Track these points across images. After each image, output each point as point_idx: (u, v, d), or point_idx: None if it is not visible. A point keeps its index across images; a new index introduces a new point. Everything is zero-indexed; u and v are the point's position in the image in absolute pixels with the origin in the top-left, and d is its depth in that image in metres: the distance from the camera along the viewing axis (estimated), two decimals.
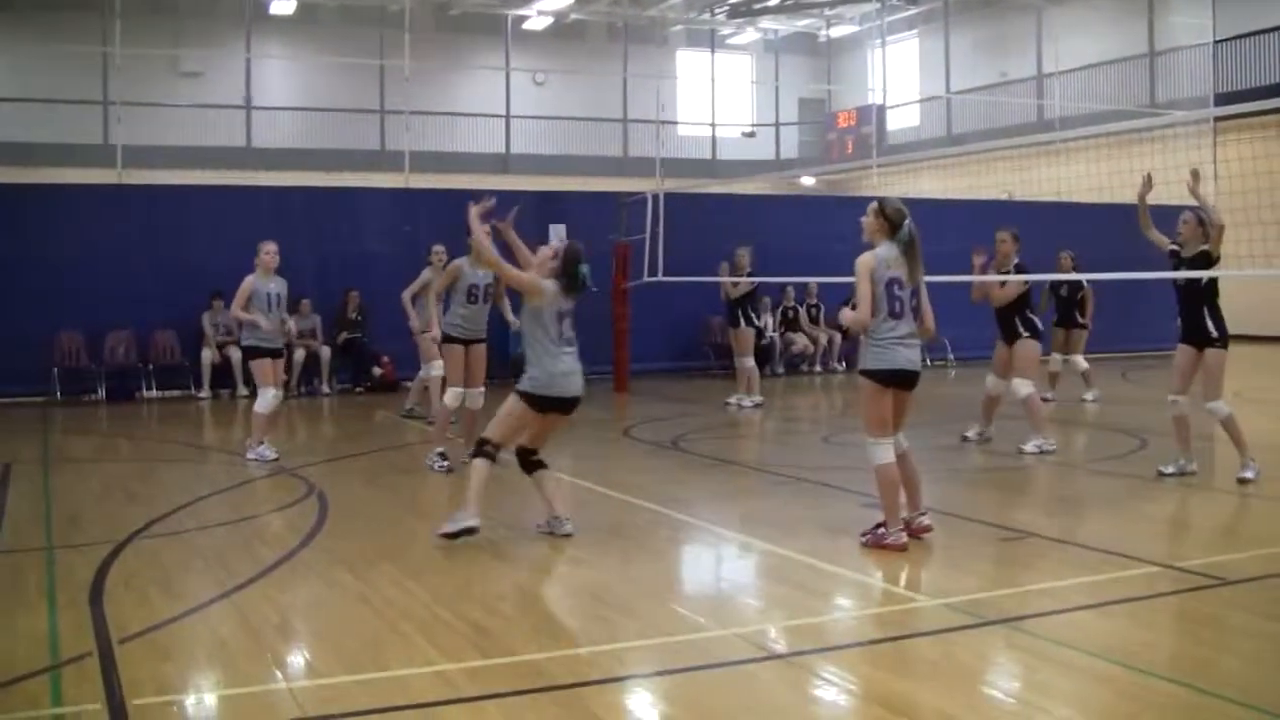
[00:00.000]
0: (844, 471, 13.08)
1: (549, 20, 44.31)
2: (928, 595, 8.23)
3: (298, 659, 6.93)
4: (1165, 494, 11.88)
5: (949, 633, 7.17)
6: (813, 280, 24.01)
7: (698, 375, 24.34)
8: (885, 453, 9.44)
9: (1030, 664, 6.67)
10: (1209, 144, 31.61)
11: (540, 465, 10.02)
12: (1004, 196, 29.79)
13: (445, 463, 13.30)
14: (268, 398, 14.27)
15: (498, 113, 43.79)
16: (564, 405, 9.74)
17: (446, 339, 13.75)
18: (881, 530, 9.44)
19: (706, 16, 44.72)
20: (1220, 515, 11.24)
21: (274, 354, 14.50)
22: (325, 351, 21.81)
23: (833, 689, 6.34)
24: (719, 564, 9.72)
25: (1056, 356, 19.40)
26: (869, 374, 9.42)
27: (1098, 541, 9.57)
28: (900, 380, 9.43)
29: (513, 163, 42.96)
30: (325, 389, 21.82)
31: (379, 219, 23.01)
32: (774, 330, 25.21)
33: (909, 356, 9.40)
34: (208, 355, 21.15)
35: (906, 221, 9.43)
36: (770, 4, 42.37)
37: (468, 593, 8.05)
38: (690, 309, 24.26)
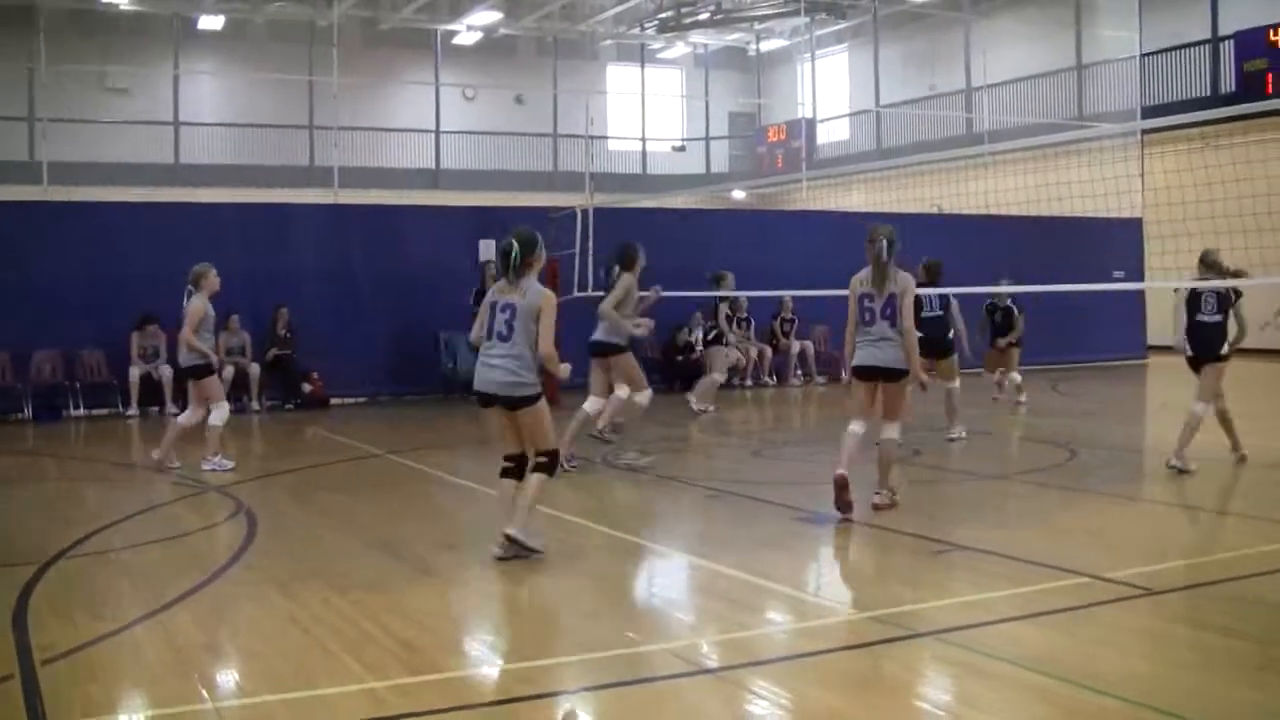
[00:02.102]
0: (775, 486, 13.12)
1: (478, 35, 44.27)
2: (858, 608, 8.24)
3: (225, 679, 6.86)
4: (1093, 505, 11.98)
5: (879, 645, 7.18)
6: (743, 294, 23.99)
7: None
8: (851, 426, 11.33)
9: (959, 676, 6.68)
10: (1136, 156, 31.88)
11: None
12: (933, 209, 29.94)
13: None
14: (225, 411, 14.63)
15: (427, 128, 43.71)
16: (479, 399, 9.69)
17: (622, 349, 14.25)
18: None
19: (636, 31, 44.81)
20: (1147, 526, 11.32)
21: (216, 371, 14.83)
22: (255, 368, 21.62)
23: (763, 703, 6.33)
24: (649, 579, 9.69)
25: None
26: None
27: (1027, 553, 9.61)
28: (863, 374, 11.26)
29: (442, 178, 42.87)
30: (255, 406, 21.64)
31: (308, 235, 22.86)
32: (703, 344, 25.22)
33: (868, 354, 11.17)
34: (135, 373, 20.87)
35: (876, 241, 11.13)
36: (700, 19, 42.46)
37: (397, 610, 7.98)
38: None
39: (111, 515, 11.69)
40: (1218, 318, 13.37)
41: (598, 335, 14.26)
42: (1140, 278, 27.99)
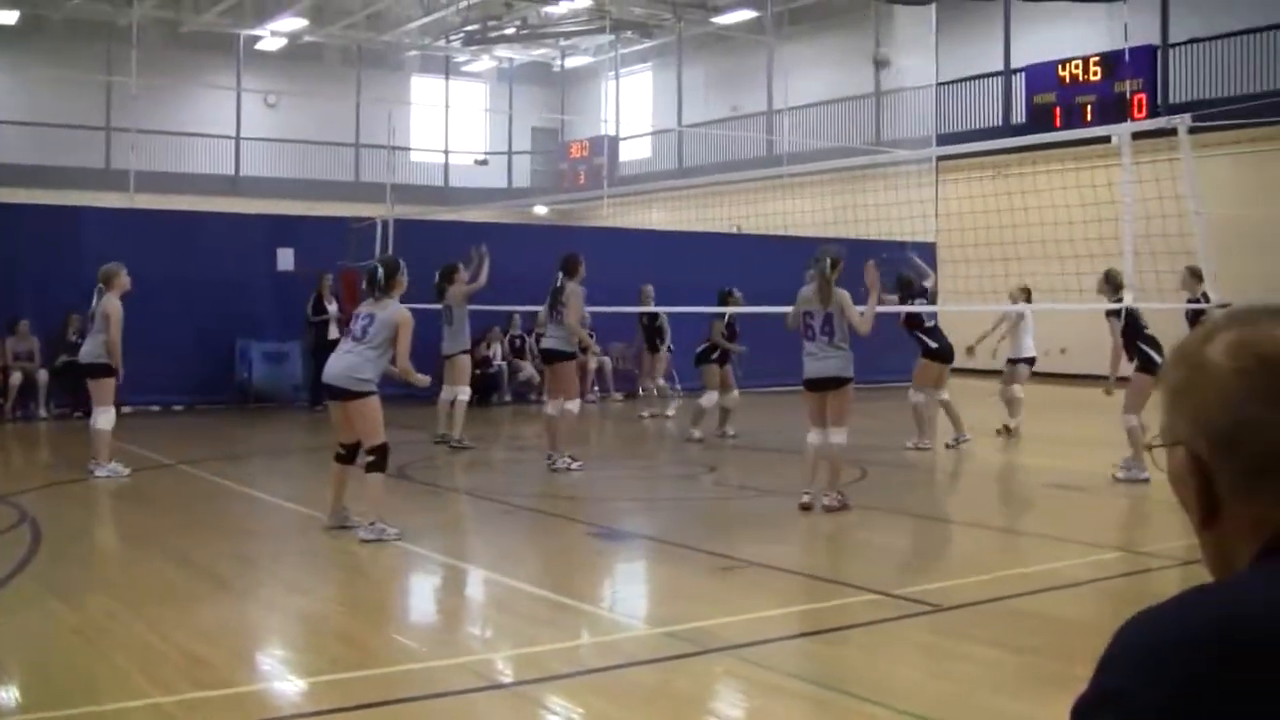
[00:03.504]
0: (568, 501, 13.17)
1: (283, 41, 43.73)
2: (650, 624, 8.31)
3: (3, 693, 6.70)
4: (884, 523, 12.22)
5: (670, 661, 7.23)
6: (541, 309, 23.95)
7: (424, 403, 24.20)
8: (809, 437, 12.12)
9: (748, 691, 6.78)
10: (930, 182, 32.53)
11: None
12: (733, 229, 30.23)
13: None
14: (112, 417, 14.55)
15: (228, 133, 43.10)
16: (325, 391, 11.27)
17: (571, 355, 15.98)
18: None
19: (442, 43, 44.60)
20: (936, 544, 11.58)
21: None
22: (43, 375, 21.09)
23: (556, 719, 6.36)
24: (442, 593, 9.69)
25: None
26: None
27: (817, 570, 9.77)
28: (810, 385, 12.11)
29: (242, 185, 42.29)
30: (42, 413, 21.09)
31: (102, 239, 22.31)
32: (501, 359, 25.19)
33: (813, 367, 12.02)
34: None
35: (820, 260, 12.06)
36: (506, 33, 42.44)
37: (186, 623, 7.86)
38: (420, 335, 23.96)
39: None
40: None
41: (551, 344, 15.85)
42: (933, 301, 28.54)
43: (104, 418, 14.45)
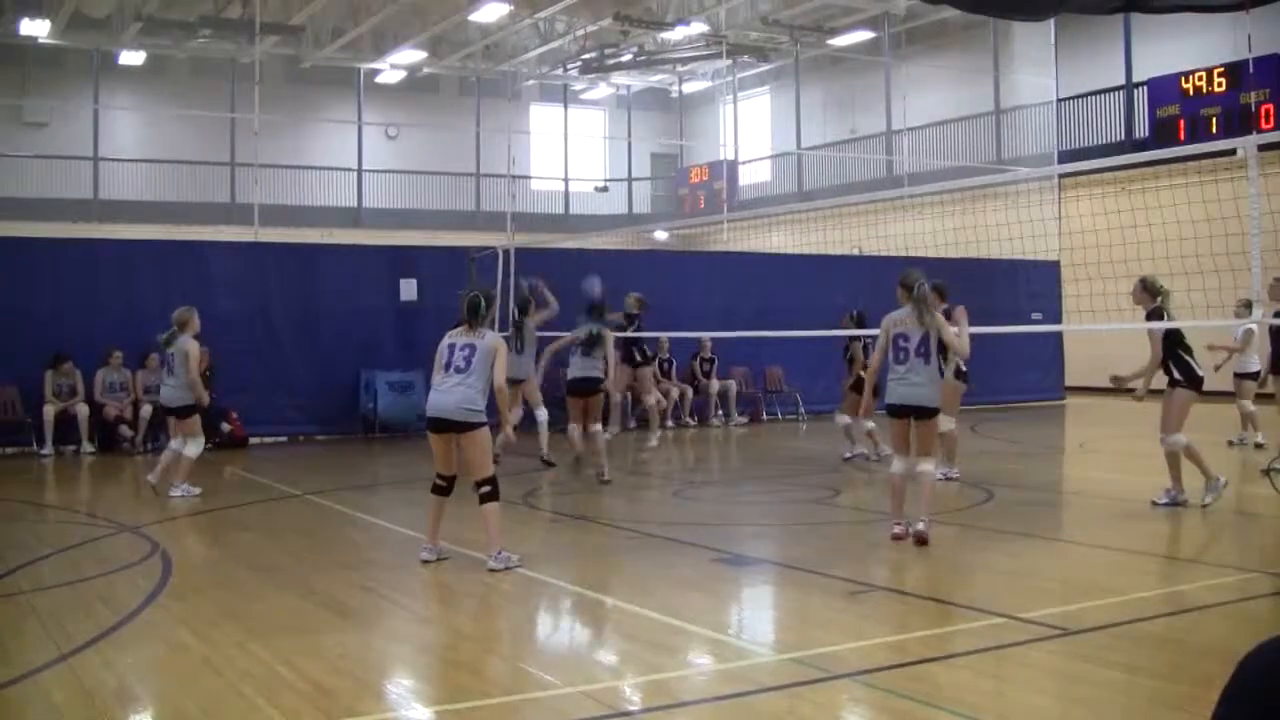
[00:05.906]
0: (694, 527, 13.11)
1: (401, 74, 44.19)
2: (776, 650, 8.23)
3: None
4: (1010, 546, 12.04)
5: (797, 687, 7.17)
6: (664, 335, 23.95)
7: (551, 431, 24.24)
8: (893, 465, 12.25)
9: (876, 718, 6.69)
10: (1053, 200, 32.20)
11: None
12: (854, 251, 30.10)
13: None
14: (201, 445, 15.84)
15: (349, 166, 43.60)
16: (431, 425, 10.91)
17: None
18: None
19: (559, 72, 44.88)
20: (1063, 567, 11.39)
21: None
22: None
23: None
24: (568, 621, 9.66)
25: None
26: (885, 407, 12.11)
27: (944, 594, 9.64)
28: (897, 411, 11.94)
29: (364, 216, 42.80)
30: (172, 445, 21.32)
31: (228, 273, 22.67)
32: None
33: (901, 392, 11.84)
34: (50, 411, 20.57)
35: (917, 285, 11.83)
36: (623, 60, 42.60)
37: (311, 652, 7.90)
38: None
39: (21, 556, 11.51)
40: None
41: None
42: (1058, 320, 28.25)
43: (192, 446, 15.62)
